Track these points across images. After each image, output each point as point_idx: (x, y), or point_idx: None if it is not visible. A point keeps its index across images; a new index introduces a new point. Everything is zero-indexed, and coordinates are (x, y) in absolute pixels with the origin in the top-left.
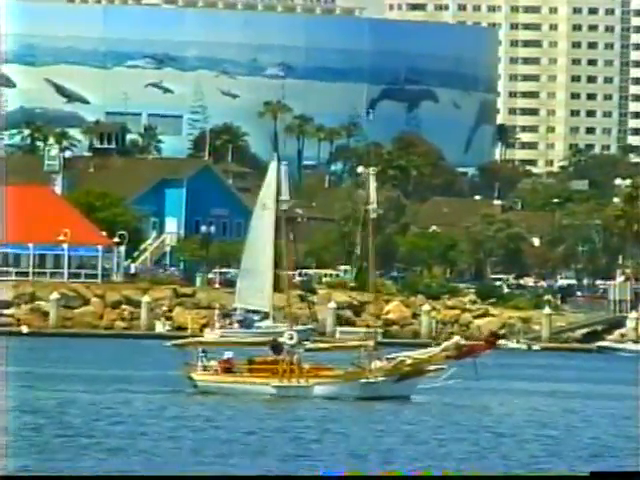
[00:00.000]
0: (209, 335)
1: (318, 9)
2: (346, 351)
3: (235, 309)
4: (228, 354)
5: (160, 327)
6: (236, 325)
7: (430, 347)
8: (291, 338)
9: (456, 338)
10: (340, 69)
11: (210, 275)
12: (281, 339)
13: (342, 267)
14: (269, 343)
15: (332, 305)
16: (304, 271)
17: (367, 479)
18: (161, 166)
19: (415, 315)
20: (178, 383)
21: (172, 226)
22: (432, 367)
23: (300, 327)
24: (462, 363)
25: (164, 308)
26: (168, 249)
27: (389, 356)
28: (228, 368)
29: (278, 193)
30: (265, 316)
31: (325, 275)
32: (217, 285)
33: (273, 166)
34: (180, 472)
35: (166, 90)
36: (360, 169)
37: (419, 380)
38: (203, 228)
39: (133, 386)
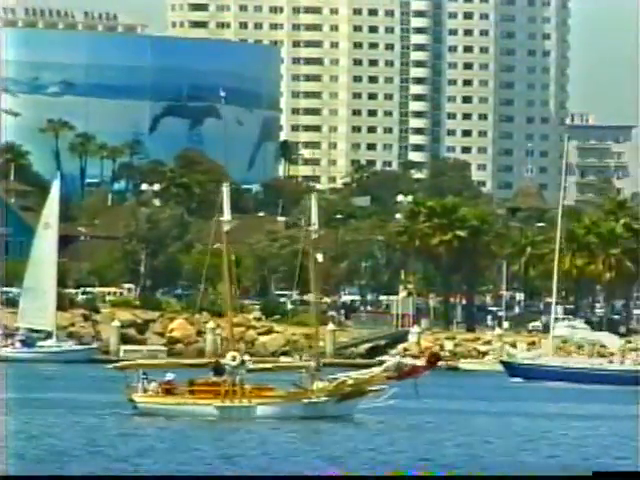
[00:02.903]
0: None
1: (100, 26)
2: (288, 372)
3: (17, 328)
4: (169, 376)
5: None
6: (18, 344)
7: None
8: (233, 359)
9: (397, 358)
10: (122, 86)
11: None
12: (223, 360)
13: (126, 285)
14: (210, 365)
15: (116, 324)
16: (87, 289)
17: (367, 479)
18: None
19: (200, 333)
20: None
21: None
22: (373, 387)
23: (80, 347)
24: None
25: None
26: None
27: (331, 376)
28: (169, 390)
29: (220, 213)
30: (48, 335)
31: (109, 293)
32: None
33: (56, 185)
34: (179, 472)
35: None
36: (144, 186)
37: (361, 400)
38: None
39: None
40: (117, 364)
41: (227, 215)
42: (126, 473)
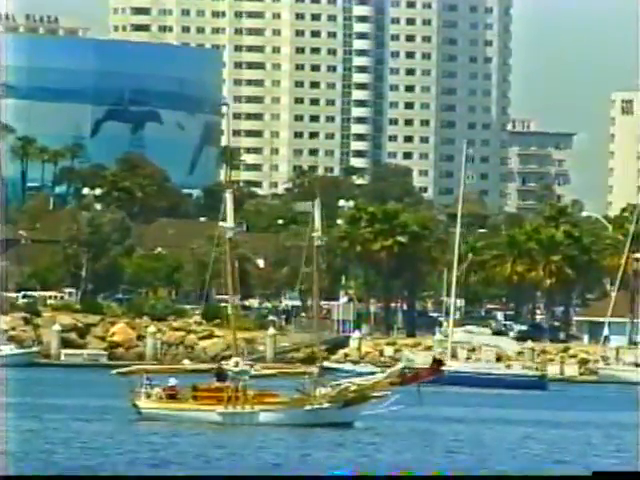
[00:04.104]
0: None
1: (41, 29)
2: (291, 377)
3: None
4: (172, 381)
5: None
6: None
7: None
8: (236, 365)
9: (400, 365)
10: (64, 89)
11: None
12: (225, 366)
13: (67, 289)
14: (213, 370)
15: (57, 327)
16: (28, 293)
17: (369, 479)
18: None
19: (140, 337)
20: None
21: None
22: (376, 393)
23: (21, 350)
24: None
25: None
26: None
27: (334, 382)
28: (172, 395)
29: (224, 219)
30: None
31: (50, 297)
32: None
33: None
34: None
35: None
36: (85, 190)
37: (363, 406)
38: None
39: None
40: (121, 369)
41: (230, 221)
42: (126, 473)
